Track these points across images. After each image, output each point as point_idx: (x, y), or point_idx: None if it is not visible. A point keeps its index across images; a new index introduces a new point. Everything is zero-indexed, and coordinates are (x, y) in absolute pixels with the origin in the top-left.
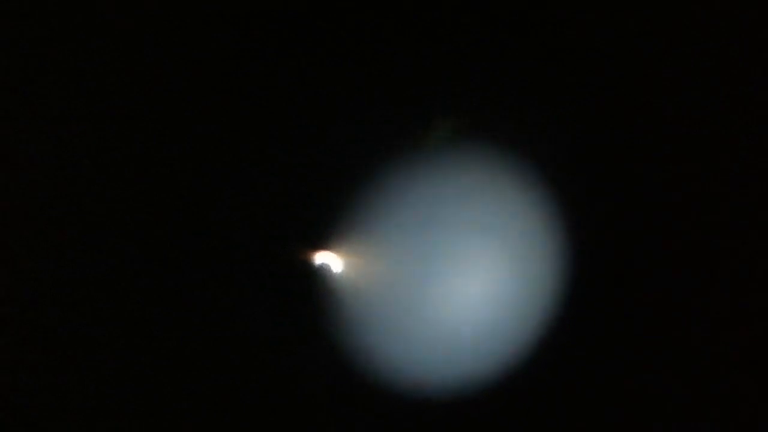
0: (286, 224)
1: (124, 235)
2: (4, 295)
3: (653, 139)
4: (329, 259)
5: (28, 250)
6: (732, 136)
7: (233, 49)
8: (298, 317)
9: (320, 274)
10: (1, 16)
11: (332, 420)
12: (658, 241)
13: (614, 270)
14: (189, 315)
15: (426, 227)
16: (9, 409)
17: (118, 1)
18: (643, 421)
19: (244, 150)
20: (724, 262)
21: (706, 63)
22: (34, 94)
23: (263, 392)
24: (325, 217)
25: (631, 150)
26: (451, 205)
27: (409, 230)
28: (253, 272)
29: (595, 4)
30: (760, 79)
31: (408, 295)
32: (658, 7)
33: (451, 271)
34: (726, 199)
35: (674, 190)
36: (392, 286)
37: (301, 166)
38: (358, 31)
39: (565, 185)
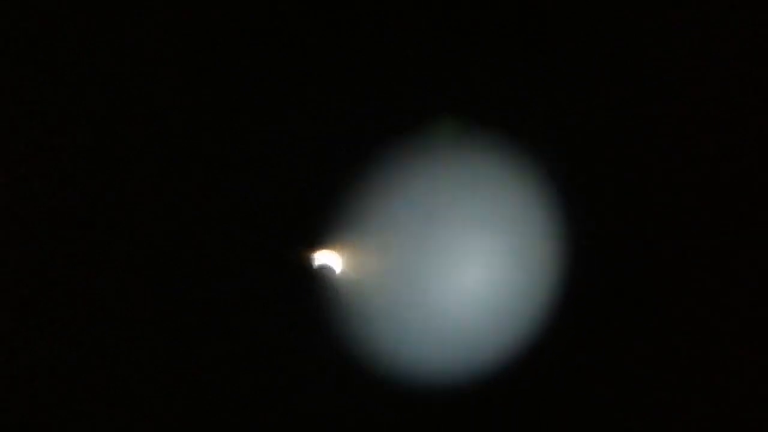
0: (286, 223)
1: (121, 235)
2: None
3: (656, 138)
4: (329, 258)
5: (30, 251)
6: (735, 136)
7: (233, 49)
8: (298, 316)
9: (320, 273)
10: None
11: (334, 419)
12: (660, 239)
13: (615, 267)
14: (188, 316)
15: (427, 225)
16: (9, 409)
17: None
18: (642, 421)
19: (243, 148)
20: (726, 261)
21: (707, 63)
22: (32, 93)
23: (264, 392)
24: (324, 215)
25: (633, 149)
26: (452, 203)
27: (410, 228)
28: (252, 272)
29: (597, 4)
30: (760, 79)
31: (409, 293)
32: (659, 7)
33: (453, 269)
34: (729, 199)
35: (676, 189)
36: (393, 285)
37: (300, 165)
38: (358, 30)
39: (566, 182)
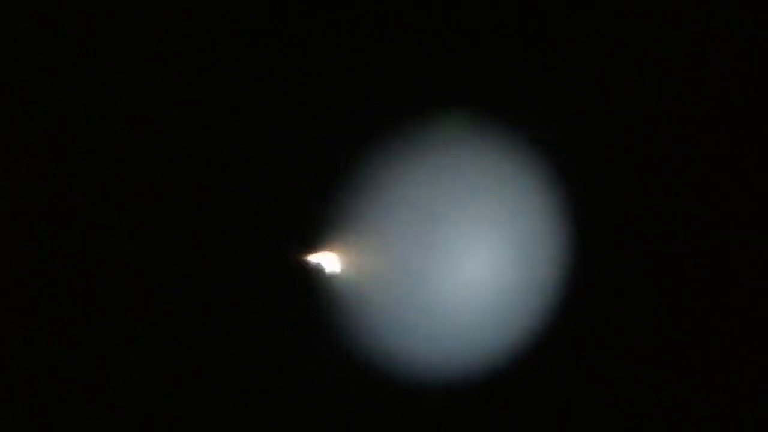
0: (285, 223)
1: (121, 235)
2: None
3: (656, 138)
4: (328, 258)
5: (30, 251)
6: (735, 136)
7: (233, 49)
8: (298, 316)
9: (319, 273)
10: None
11: (334, 419)
12: (660, 239)
13: (616, 266)
14: (188, 316)
15: (426, 224)
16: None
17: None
18: (642, 421)
19: (243, 148)
20: (726, 261)
21: (707, 63)
22: (32, 93)
23: (264, 392)
24: (324, 215)
25: (633, 149)
26: (451, 203)
27: (409, 228)
28: (252, 272)
29: (597, 4)
30: (760, 79)
31: (409, 293)
32: (659, 7)
33: (453, 269)
34: (729, 199)
35: (676, 189)
36: (392, 284)
37: (300, 165)
38: (358, 30)
39: (567, 181)
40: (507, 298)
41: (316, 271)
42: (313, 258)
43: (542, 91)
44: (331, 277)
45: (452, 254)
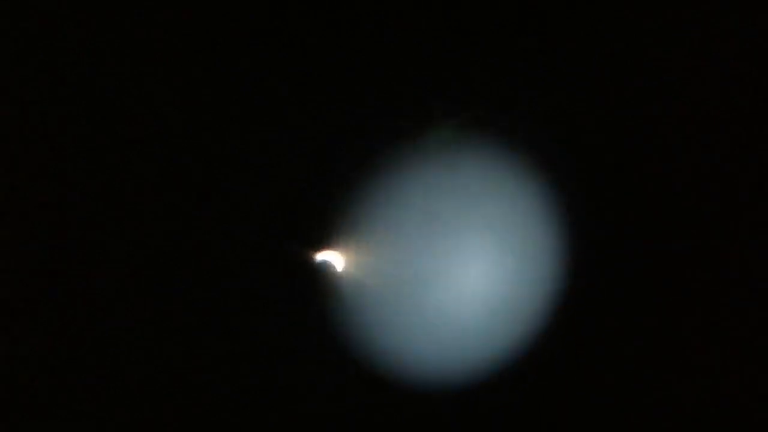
0: (288, 223)
1: (121, 235)
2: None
3: (656, 138)
4: (332, 258)
5: (30, 251)
6: (735, 136)
7: (233, 49)
8: (300, 316)
9: (322, 273)
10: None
11: (336, 418)
12: (660, 239)
13: (615, 268)
14: (188, 316)
15: (428, 225)
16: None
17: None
18: (642, 421)
19: (245, 148)
20: (726, 262)
21: (707, 63)
22: (33, 93)
23: (264, 392)
24: (327, 215)
25: (633, 149)
26: (453, 203)
27: (411, 228)
28: (254, 271)
29: (597, 4)
30: (760, 79)
31: (411, 293)
32: (659, 7)
33: (454, 269)
34: (729, 199)
35: (676, 189)
36: (395, 284)
37: (302, 165)
38: (358, 30)
39: (566, 183)
40: (508, 298)
41: (320, 271)
42: (317, 257)
43: (542, 91)
44: (335, 277)
45: (455, 254)
